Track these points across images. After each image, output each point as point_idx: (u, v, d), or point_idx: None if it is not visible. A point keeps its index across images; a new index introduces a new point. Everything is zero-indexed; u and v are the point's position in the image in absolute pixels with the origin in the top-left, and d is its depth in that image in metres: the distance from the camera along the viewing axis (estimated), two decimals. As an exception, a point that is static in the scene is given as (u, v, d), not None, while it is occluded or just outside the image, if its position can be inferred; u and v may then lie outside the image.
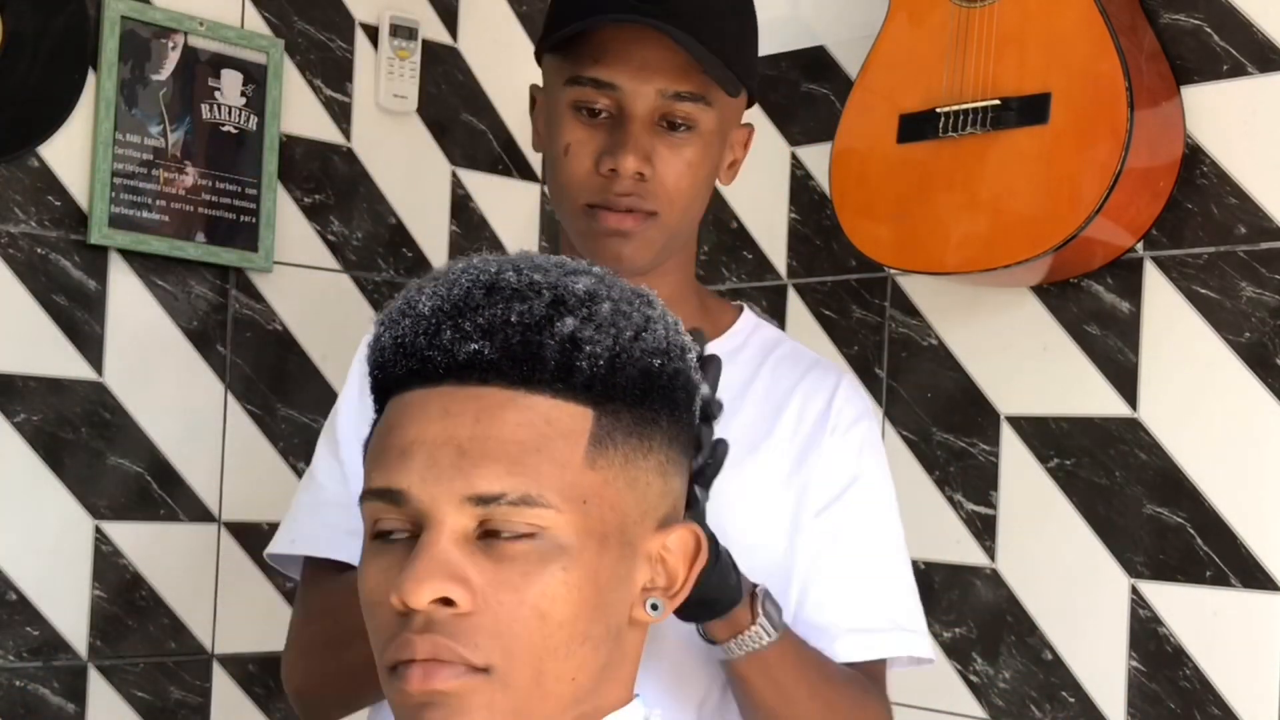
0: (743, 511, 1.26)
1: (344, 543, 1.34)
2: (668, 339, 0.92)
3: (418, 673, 0.86)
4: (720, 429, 1.16)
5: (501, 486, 0.85)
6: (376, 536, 0.90)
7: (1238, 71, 1.88)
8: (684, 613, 1.15)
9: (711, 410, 1.02)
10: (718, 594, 1.15)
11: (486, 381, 0.87)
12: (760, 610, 1.20)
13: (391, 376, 0.91)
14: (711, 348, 1.39)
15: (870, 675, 1.36)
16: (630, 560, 0.90)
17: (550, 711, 0.88)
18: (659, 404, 0.91)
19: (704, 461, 1.04)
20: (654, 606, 0.92)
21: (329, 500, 1.38)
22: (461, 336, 0.87)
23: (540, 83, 1.40)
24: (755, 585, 1.21)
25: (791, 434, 1.38)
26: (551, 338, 0.87)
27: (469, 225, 2.61)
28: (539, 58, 1.39)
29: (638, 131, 1.30)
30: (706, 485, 1.06)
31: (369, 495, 0.89)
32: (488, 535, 0.86)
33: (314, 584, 1.37)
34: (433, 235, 2.56)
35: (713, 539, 1.11)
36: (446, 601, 0.85)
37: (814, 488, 1.37)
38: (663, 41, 1.28)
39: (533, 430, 0.86)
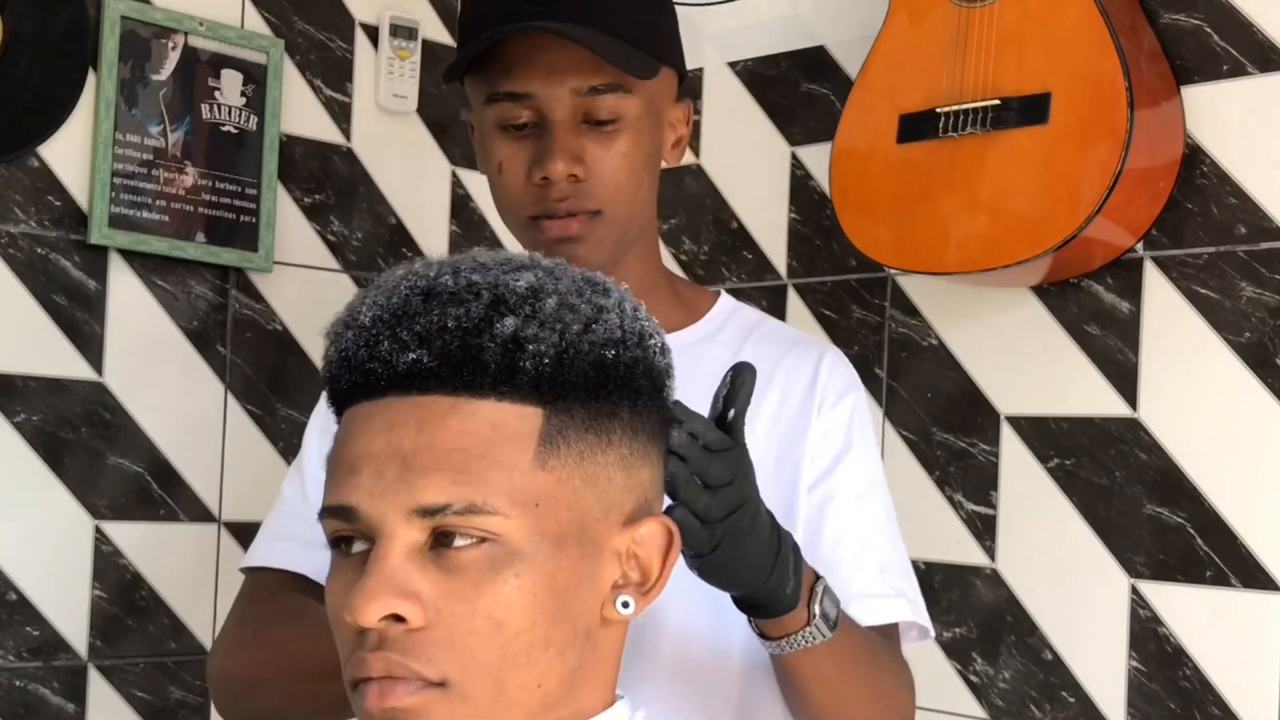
0: None
1: (298, 554, 1.36)
2: (622, 327, 0.89)
3: (374, 691, 0.85)
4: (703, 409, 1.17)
5: (446, 497, 0.84)
6: (336, 548, 0.90)
7: (1238, 71, 1.88)
8: (739, 606, 1.14)
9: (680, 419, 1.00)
10: (770, 600, 1.12)
11: (429, 390, 0.85)
12: (817, 611, 1.16)
13: (340, 390, 0.90)
14: (688, 332, 1.39)
15: (887, 639, 1.36)
16: (594, 559, 0.88)
17: (519, 719, 0.87)
18: (617, 396, 0.89)
19: (725, 398, 1.03)
20: (625, 604, 0.89)
21: (287, 513, 1.40)
22: (400, 346, 0.85)
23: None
24: (816, 579, 1.17)
25: (777, 413, 1.37)
26: (492, 340, 0.85)
27: (469, 225, 2.61)
28: (461, 84, 1.38)
29: (562, 135, 1.30)
30: (737, 431, 1.04)
31: (324, 513, 0.89)
32: (440, 545, 0.85)
33: (260, 591, 1.39)
34: (433, 235, 2.56)
35: (780, 538, 1.09)
36: (398, 618, 0.84)
37: (806, 464, 1.36)
38: (565, 41, 1.27)
39: (477, 436, 0.85)
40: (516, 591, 0.85)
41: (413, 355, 0.85)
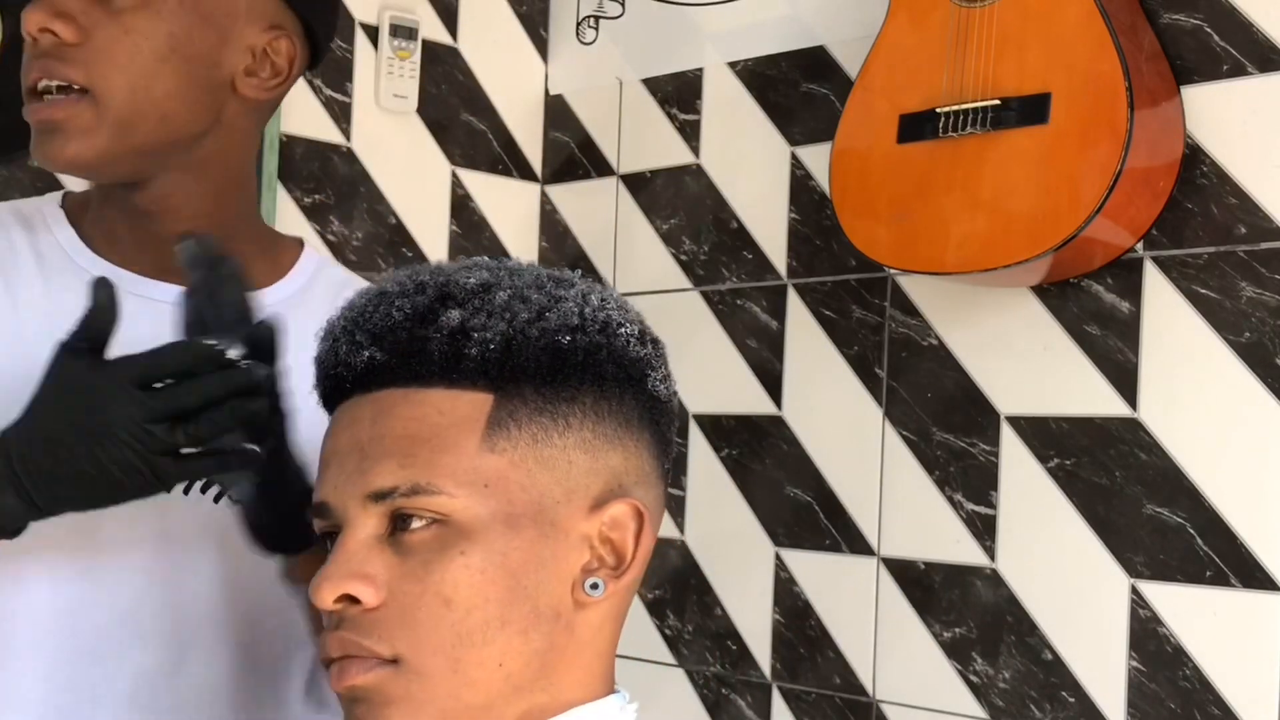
0: None
1: None
2: (581, 315, 0.90)
3: (335, 671, 0.89)
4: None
5: (394, 480, 0.87)
6: (324, 544, 0.93)
7: (1238, 71, 1.88)
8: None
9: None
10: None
11: (384, 385, 0.90)
12: None
13: (323, 396, 0.95)
14: (274, 291, 1.26)
15: None
16: (555, 540, 0.89)
17: (483, 699, 0.88)
18: (577, 380, 0.90)
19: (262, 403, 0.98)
20: (594, 586, 0.91)
21: None
22: (355, 346, 0.90)
23: None
24: None
25: None
26: (437, 331, 0.88)
27: (469, 225, 2.61)
28: None
29: None
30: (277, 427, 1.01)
31: (312, 513, 0.93)
32: (398, 530, 0.88)
33: None
34: (433, 235, 2.56)
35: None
36: (354, 599, 0.88)
37: None
38: None
39: (424, 423, 0.88)
40: (464, 569, 0.87)
41: (366, 354, 0.89)
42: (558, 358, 0.89)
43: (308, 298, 1.28)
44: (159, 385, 0.97)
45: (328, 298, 1.24)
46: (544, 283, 0.92)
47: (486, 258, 0.95)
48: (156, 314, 1.13)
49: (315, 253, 1.36)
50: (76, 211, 1.25)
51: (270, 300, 1.22)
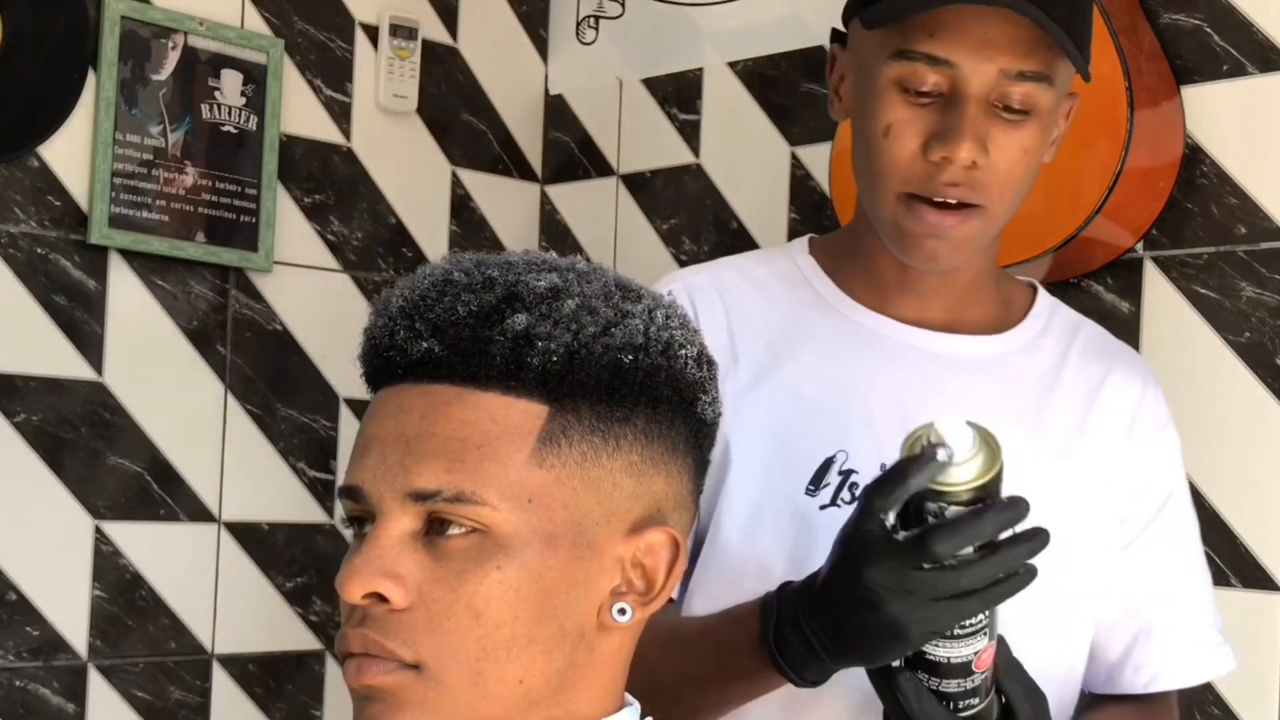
0: (1063, 518, 1.15)
1: None
2: (646, 334, 0.88)
3: (353, 667, 0.87)
4: (1028, 425, 1.18)
5: (438, 483, 0.85)
6: (351, 528, 0.92)
7: (1238, 71, 1.88)
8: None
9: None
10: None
11: (439, 379, 0.87)
12: None
13: (369, 375, 0.93)
14: (1006, 338, 1.32)
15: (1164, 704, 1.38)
16: (589, 561, 0.88)
17: (499, 713, 0.87)
18: (632, 401, 0.88)
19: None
20: (621, 611, 0.89)
21: None
22: (414, 335, 0.87)
23: (842, 41, 1.28)
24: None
25: (1105, 433, 1.31)
26: (501, 334, 0.86)
27: (469, 225, 2.61)
28: (846, 18, 1.26)
29: (975, 115, 1.17)
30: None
31: (339, 493, 0.91)
32: (434, 532, 0.87)
33: None
34: (432, 235, 2.56)
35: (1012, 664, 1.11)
36: (382, 597, 0.86)
37: (1130, 496, 1.32)
38: (1004, 15, 1.16)
39: (476, 427, 0.86)
40: (498, 584, 0.85)
41: (425, 345, 0.87)
42: (617, 376, 0.87)
43: (1040, 348, 1.32)
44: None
45: (1057, 349, 1.31)
46: (612, 293, 0.89)
47: (555, 255, 0.92)
48: (920, 360, 1.26)
49: (1048, 295, 1.38)
50: (825, 258, 1.33)
51: (997, 350, 1.29)
